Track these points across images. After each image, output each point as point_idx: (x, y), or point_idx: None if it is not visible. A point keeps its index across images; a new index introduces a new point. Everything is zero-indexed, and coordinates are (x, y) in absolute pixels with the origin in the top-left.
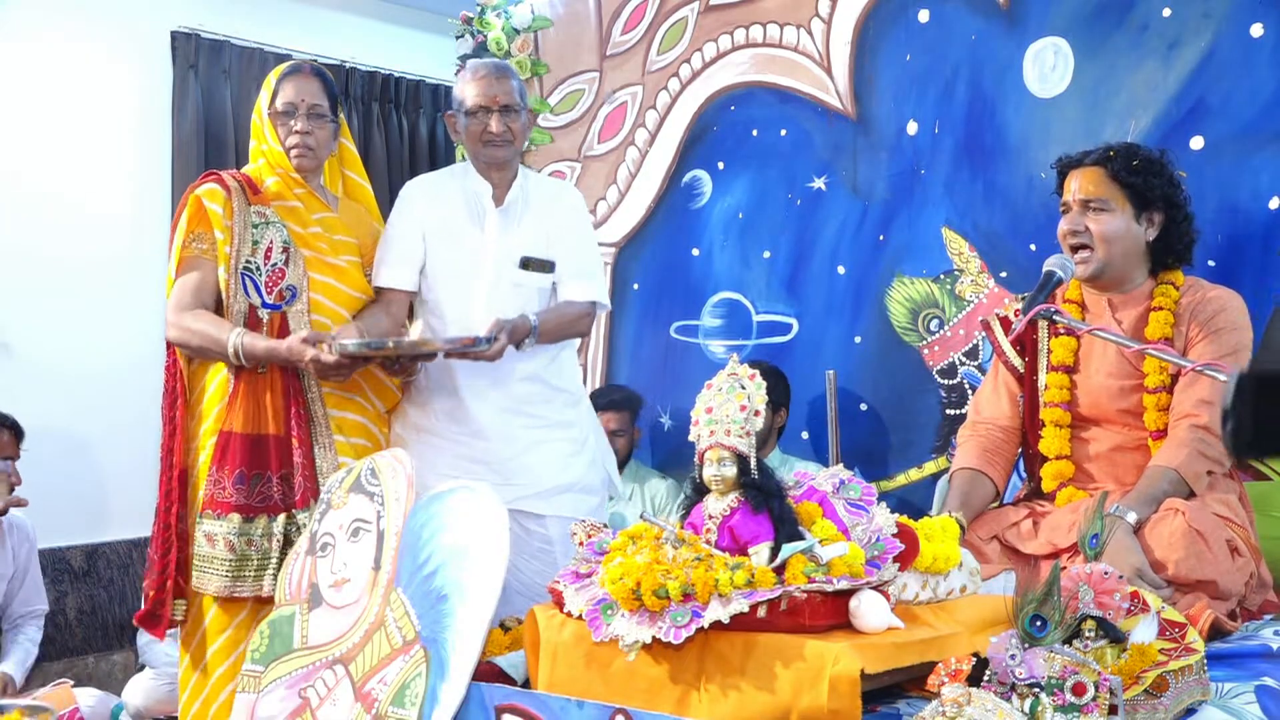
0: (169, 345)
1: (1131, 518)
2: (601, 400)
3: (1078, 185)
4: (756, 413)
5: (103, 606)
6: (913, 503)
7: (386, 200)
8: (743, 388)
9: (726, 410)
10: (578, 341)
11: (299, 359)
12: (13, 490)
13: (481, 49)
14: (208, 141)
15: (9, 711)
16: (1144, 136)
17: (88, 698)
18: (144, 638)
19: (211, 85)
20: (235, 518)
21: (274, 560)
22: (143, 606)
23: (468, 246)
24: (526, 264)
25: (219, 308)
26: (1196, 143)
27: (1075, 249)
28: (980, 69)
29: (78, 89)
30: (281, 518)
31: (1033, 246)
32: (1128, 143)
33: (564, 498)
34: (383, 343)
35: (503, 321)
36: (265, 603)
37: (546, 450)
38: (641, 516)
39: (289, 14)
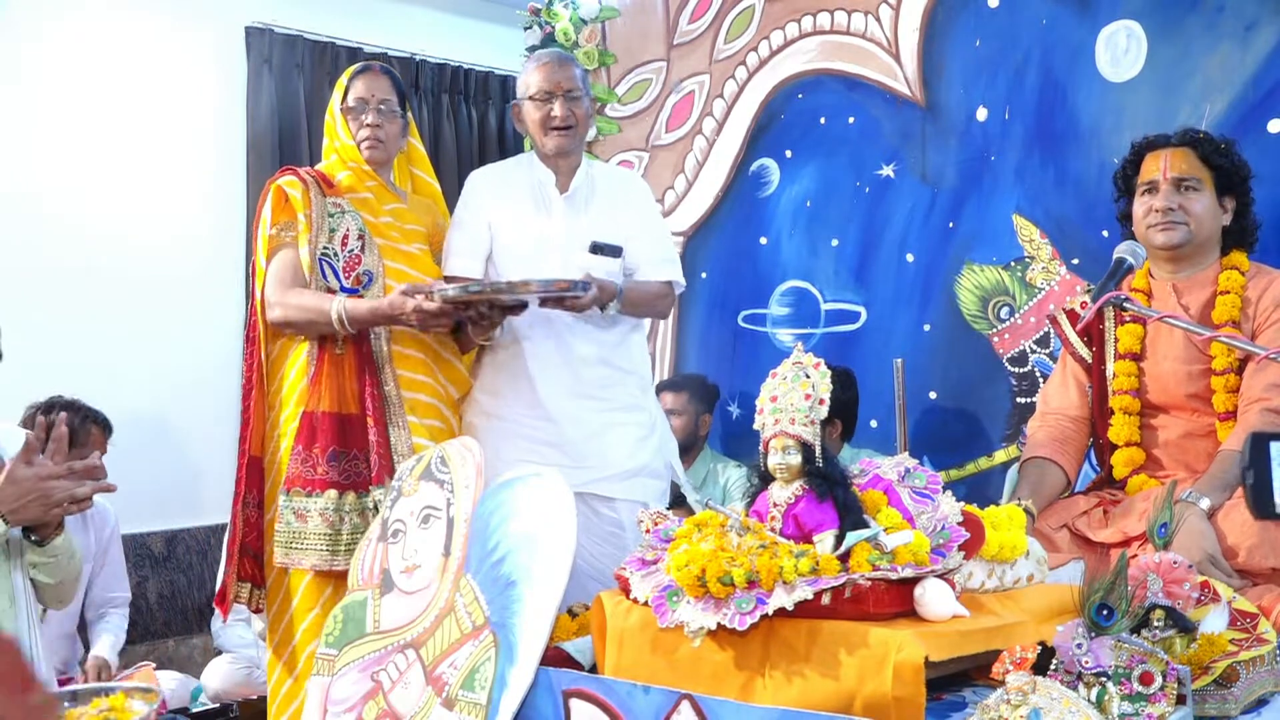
0: (249, 336)
1: (1204, 504)
2: (662, 382)
3: (1168, 164)
4: (821, 401)
5: (182, 591)
6: (983, 492)
7: (456, 190)
8: (807, 376)
9: (791, 399)
10: (646, 326)
11: (401, 311)
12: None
13: (549, 40)
14: (281, 135)
15: (115, 694)
16: (1220, 120)
17: (169, 680)
18: (216, 623)
19: (285, 80)
20: (332, 493)
21: (363, 535)
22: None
23: (534, 234)
24: (596, 249)
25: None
26: (1275, 126)
27: (1159, 224)
28: (1051, 53)
29: (154, 85)
30: (373, 492)
31: (1105, 233)
32: (1202, 129)
33: (634, 481)
34: (481, 286)
35: (592, 276)
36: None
37: (617, 434)
38: (707, 504)
39: (360, 8)
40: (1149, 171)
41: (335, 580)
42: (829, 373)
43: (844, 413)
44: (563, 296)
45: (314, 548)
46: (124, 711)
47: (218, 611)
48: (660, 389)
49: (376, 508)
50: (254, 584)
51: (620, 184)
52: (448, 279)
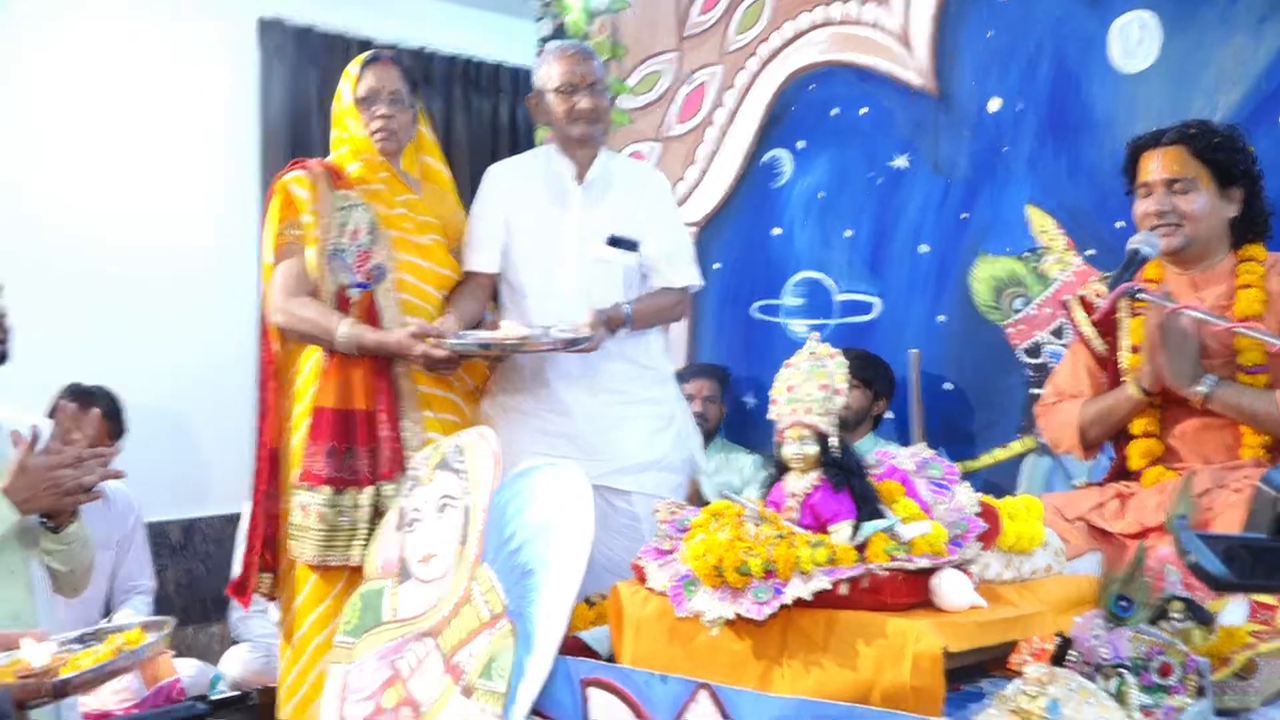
0: (264, 330)
1: (1210, 381)
2: (692, 368)
3: (1159, 165)
4: (837, 391)
5: (200, 579)
6: (998, 483)
7: (469, 182)
8: (823, 366)
9: (807, 389)
10: None
11: (408, 352)
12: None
13: (561, 31)
14: (294, 127)
15: (130, 629)
16: (1233, 112)
17: (188, 668)
18: (235, 614)
19: (297, 72)
20: (327, 489)
21: (362, 531)
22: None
23: (551, 226)
24: (615, 242)
25: (316, 292)
26: None
27: (1156, 229)
28: (1064, 44)
29: (166, 78)
30: (369, 490)
31: (1119, 223)
32: (1200, 120)
33: (648, 475)
34: (488, 344)
35: (599, 314)
36: (360, 576)
37: (632, 426)
38: (722, 494)
39: (372, 0)
40: (1144, 173)
41: (350, 573)
42: (846, 362)
43: (890, 389)
44: (568, 350)
45: (311, 541)
46: (137, 642)
47: (235, 604)
48: (696, 375)
49: (387, 502)
50: (274, 573)
51: (638, 177)
52: (468, 275)
